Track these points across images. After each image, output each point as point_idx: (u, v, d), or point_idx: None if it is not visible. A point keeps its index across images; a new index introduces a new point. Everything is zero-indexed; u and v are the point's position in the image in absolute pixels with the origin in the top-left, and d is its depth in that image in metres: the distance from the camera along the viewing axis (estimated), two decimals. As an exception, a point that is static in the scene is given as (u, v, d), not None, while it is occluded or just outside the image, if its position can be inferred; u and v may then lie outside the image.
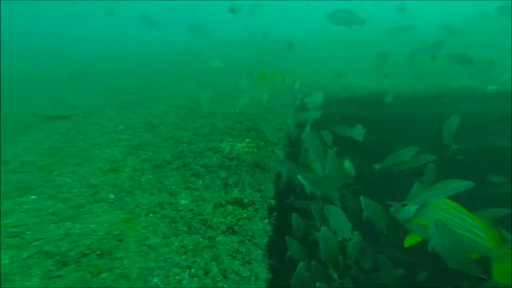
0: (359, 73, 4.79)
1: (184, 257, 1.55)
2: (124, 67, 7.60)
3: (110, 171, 2.27)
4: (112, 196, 1.95)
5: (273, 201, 2.40)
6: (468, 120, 2.52)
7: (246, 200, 2.26)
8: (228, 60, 6.20)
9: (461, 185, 1.62)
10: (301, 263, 2.15)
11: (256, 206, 2.25)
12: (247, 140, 3.25)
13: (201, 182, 2.43)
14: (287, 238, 2.59)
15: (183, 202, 2.07)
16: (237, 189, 2.43)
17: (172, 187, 2.22)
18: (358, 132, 2.77)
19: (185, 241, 1.65)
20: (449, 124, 2.41)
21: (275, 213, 2.29)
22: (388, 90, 3.26)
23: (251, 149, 3.05)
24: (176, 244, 1.61)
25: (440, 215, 1.44)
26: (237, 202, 2.22)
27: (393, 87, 3.44)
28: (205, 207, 2.06)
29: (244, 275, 1.58)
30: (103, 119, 3.49)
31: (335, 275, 2.07)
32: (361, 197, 2.24)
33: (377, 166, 2.56)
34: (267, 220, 2.15)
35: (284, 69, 5.64)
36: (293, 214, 2.60)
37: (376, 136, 3.42)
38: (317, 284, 2.22)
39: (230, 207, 2.14)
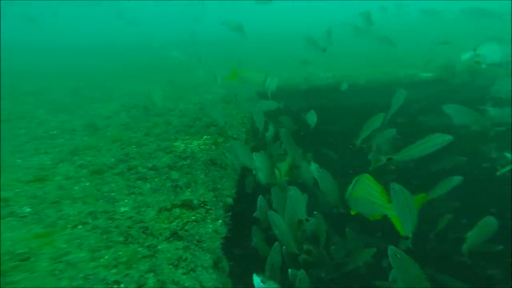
0: (318, 65, 4.87)
1: (113, 271, 1.40)
2: (64, 67, 6.93)
3: (33, 181, 2.02)
4: (28, 210, 1.71)
5: (230, 200, 2.31)
6: (413, 104, 2.77)
7: (196, 202, 2.14)
8: (188, 55, 5.96)
9: (444, 139, 1.82)
10: (275, 244, 2.11)
11: (208, 207, 2.15)
12: (205, 137, 3.13)
13: (148, 186, 2.27)
14: (253, 227, 2.55)
15: (122, 209, 1.90)
16: (189, 190, 2.32)
17: (112, 194, 2.03)
18: (311, 119, 2.83)
19: (119, 253, 1.50)
20: (396, 96, 2.64)
21: (229, 213, 2.21)
22: (343, 80, 3.38)
23: (207, 146, 2.93)
24: (106, 257, 1.45)
25: (363, 189, 1.72)
26: (186, 205, 2.09)
27: (348, 77, 3.60)
28: (148, 213, 1.90)
29: (186, 284, 1.47)
30: (32, 123, 3.12)
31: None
32: (315, 168, 2.24)
33: (357, 142, 2.74)
34: (220, 221, 2.06)
35: (247, 62, 5.55)
36: (260, 196, 2.54)
37: (336, 124, 3.57)
38: (289, 270, 2.18)
39: (177, 210, 2.01)
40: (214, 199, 2.26)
